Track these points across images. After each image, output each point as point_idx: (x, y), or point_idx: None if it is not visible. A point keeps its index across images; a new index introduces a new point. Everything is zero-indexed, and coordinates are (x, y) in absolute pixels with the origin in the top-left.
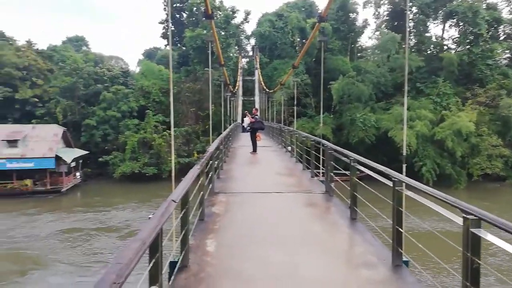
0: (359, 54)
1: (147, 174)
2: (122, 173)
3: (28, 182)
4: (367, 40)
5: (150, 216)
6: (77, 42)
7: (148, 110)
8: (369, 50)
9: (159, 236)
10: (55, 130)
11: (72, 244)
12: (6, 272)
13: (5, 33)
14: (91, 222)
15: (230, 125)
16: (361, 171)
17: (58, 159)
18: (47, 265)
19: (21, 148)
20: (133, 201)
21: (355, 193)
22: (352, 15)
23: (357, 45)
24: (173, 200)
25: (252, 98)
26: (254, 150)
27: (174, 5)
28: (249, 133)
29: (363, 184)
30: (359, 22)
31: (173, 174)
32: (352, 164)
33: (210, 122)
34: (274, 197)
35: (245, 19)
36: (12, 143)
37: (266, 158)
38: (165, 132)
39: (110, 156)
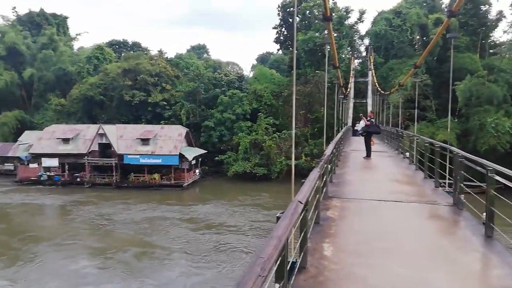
0: (491, 51)
1: (257, 174)
2: (235, 172)
3: (156, 176)
4: (501, 34)
5: (278, 215)
6: (199, 50)
7: (260, 113)
8: (504, 46)
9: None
10: (180, 131)
11: (204, 237)
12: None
13: (141, 44)
14: (208, 214)
15: (341, 128)
16: (500, 183)
17: (181, 156)
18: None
19: (152, 146)
20: (242, 199)
21: (492, 208)
22: (483, 7)
23: (489, 40)
24: (299, 201)
25: (364, 101)
26: (368, 155)
27: (287, 9)
28: (360, 137)
29: (504, 198)
30: (492, 15)
31: (292, 176)
32: (489, 174)
33: (325, 125)
34: (393, 206)
35: (359, 19)
36: (145, 141)
37: (381, 164)
38: (275, 134)
39: (225, 155)
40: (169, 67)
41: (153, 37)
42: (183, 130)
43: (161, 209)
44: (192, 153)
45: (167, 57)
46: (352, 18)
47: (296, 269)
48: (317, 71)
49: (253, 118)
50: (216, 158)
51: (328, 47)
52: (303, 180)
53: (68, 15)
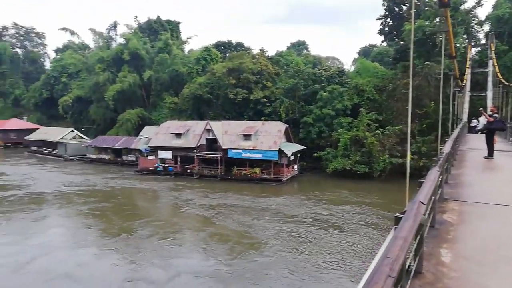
0: None
1: (358, 172)
2: (334, 169)
3: (257, 170)
4: None
5: (397, 215)
6: (299, 47)
7: (362, 108)
8: None
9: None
10: (279, 127)
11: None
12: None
13: (244, 44)
14: (306, 210)
15: (456, 125)
16: None
17: (280, 152)
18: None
19: (253, 141)
20: (342, 196)
21: None
22: None
23: None
24: (421, 202)
25: (483, 94)
26: (490, 154)
27: None
28: (478, 134)
29: None
30: None
31: (407, 176)
32: None
33: (440, 121)
34: None
35: (478, 3)
36: (247, 136)
37: (507, 165)
38: (377, 131)
39: (323, 152)
40: (270, 65)
41: (255, 36)
42: (282, 126)
43: (265, 201)
44: (291, 148)
45: (268, 55)
46: (469, 3)
47: (412, 273)
48: (426, 62)
49: (354, 113)
50: (315, 154)
51: (441, 35)
52: (420, 180)
53: (180, 20)
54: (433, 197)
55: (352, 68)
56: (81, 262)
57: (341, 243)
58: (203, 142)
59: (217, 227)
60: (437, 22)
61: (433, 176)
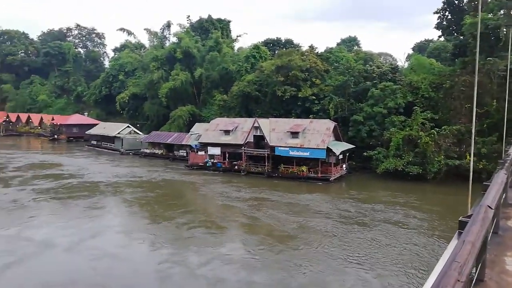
0: None
1: (410, 173)
2: (385, 169)
3: (304, 168)
4: None
5: (462, 219)
6: (350, 43)
7: (416, 107)
8: None
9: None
10: (328, 125)
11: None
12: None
13: (293, 41)
14: (354, 209)
15: None
16: None
17: (328, 150)
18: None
19: (301, 139)
20: (393, 198)
21: None
22: None
23: None
24: (488, 206)
25: None
26: None
27: None
28: None
29: None
30: None
31: (470, 179)
32: None
33: (505, 120)
34: None
35: None
36: (294, 134)
37: None
38: (433, 130)
39: (374, 151)
40: (319, 62)
41: (305, 33)
42: (331, 124)
43: (312, 199)
44: (339, 147)
45: (317, 52)
46: None
47: (474, 281)
48: (488, 58)
49: (407, 112)
50: (365, 153)
51: (506, 29)
52: (485, 183)
53: (230, 18)
54: (495, 202)
55: (406, 65)
56: (125, 244)
57: (401, 253)
58: (251, 139)
59: (259, 222)
60: (501, 15)
61: (500, 179)
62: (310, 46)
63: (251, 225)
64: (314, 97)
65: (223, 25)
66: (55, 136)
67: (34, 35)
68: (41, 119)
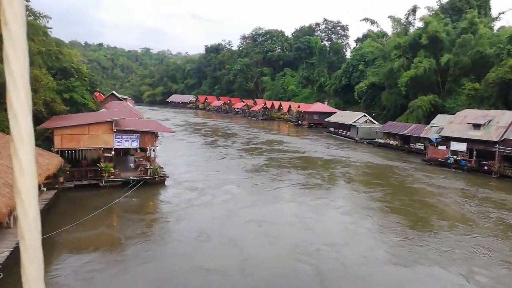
0: None
1: None
2: None
3: None
4: None
5: None
6: None
7: None
8: None
9: None
10: None
11: None
12: None
13: None
14: None
15: None
16: None
17: None
18: None
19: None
20: None
21: None
22: None
23: None
24: None
25: None
26: None
27: None
28: None
29: None
30: None
31: None
32: None
33: None
34: None
35: None
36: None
37: None
38: None
39: None
40: None
41: None
42: None
43: None
44: None
45: None
46: None
47: None
48: None
49: None
50: None
51: None
52: None
53: None
54: None
55: None
56: (346, 222)
57: None
58: (510, 136)
59: None
60: None
61: None
62: None
63: None
64: None
65: (481, 2)
66: (299, 122)
67: (288, 32)
68: (289, 106)
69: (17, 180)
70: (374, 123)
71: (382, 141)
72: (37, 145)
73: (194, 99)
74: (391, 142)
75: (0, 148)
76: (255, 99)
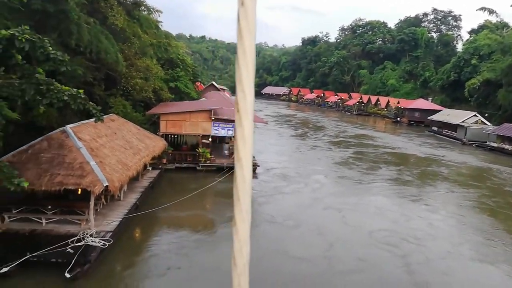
0: None
1: None
2: None
3: None
4: None
5: None
6: None
7: None
8: None
9: None
10: None
11: None
12: None
13: None
14: None
15: None
16: None
17: None
18: None
19: None
20: None
21: None
22: None
23: None
24: None
25: None
26: None
27: None
28: None
29: None
30: None
31: None
32: None
33: None
34: None
35: None
36: None
37: None
38: None
39: None
40: None
41: None
42: None
43: None
44: None
45: None
46: None
47: None
48: None
49: None
50: None
51: None
52: None
53: None
54: None
55: None
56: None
57: None
58: None
59: None
60: None
61: None
62: None
63: None
64: None
65: None
66: (398, 118)
67: (392, 23)
68: (388, 102)
69: (238, 147)
70: (487, 124)
71: (495, 144)
72: (145, 128)
73: (288, 91)
74: (507, 146)
75: (116, 130)
76: (350, 93)
